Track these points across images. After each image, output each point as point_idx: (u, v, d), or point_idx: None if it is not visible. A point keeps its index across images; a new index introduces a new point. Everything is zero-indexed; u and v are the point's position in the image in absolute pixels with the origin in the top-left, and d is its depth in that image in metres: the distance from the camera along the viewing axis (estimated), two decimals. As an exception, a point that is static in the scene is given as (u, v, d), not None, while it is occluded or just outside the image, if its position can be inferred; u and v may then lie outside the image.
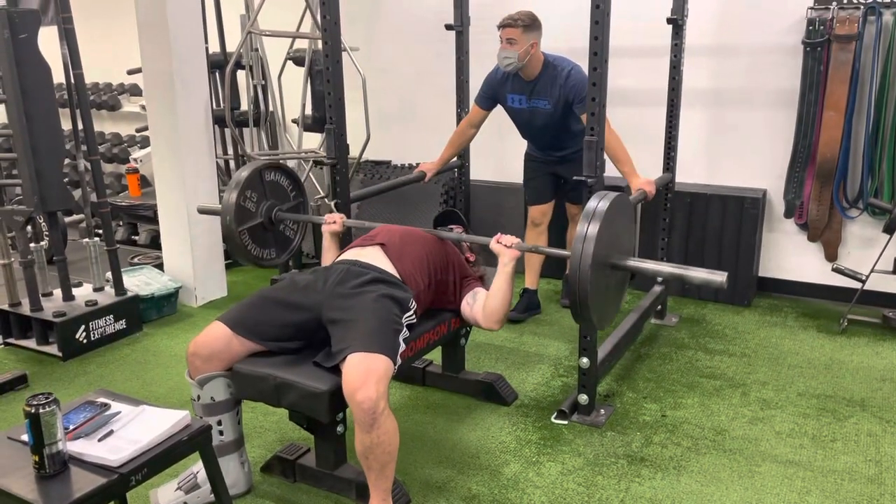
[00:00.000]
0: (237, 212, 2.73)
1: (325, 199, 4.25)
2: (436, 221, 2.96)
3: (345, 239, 2.89)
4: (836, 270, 3.67)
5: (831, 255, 3.92)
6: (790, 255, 4.07)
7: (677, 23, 3.39)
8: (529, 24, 3.28)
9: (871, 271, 3.55)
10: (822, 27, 3.61)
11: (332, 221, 2.77)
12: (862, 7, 3.53)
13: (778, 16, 3.79)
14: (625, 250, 2.39)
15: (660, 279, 3.71)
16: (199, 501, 2.26)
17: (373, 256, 2.41)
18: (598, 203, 2.21)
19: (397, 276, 2.36)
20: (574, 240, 2.17)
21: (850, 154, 3.75)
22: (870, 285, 3.60)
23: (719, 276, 2.18)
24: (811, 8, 3.65)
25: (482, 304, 2.53)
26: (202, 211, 3.15)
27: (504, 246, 2.44)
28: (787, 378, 3.13)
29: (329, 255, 2.75)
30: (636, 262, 2.33)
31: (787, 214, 3.99)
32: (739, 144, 4.05)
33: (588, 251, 2.12)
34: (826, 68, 3.65)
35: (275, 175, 2.90)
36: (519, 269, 2.54)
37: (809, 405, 2.90)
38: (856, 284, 3.61)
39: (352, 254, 2.47)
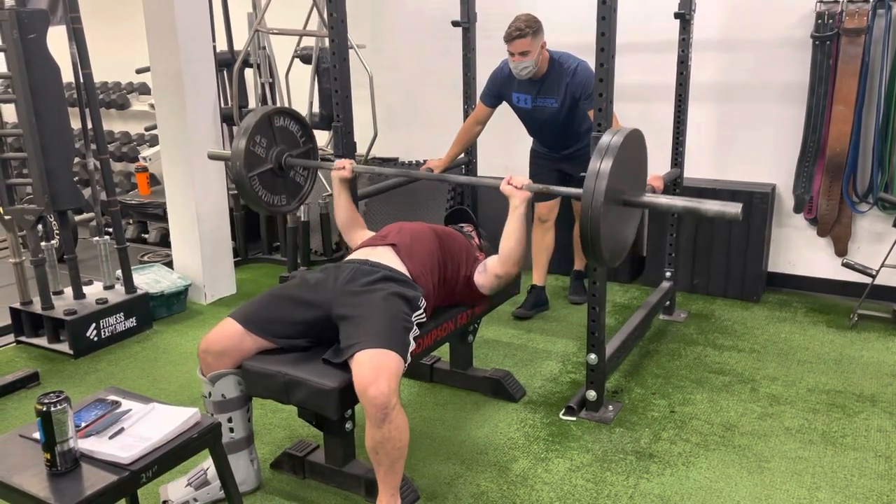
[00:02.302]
0: (247, 157, 2.73)
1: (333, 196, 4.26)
2: (446, 220, 2.97)
3: (353, 186, 2.89)
4: (846, 265, 3.66)
5: (841, 250, 3.90)
6: (800, 251, 4.05)
7: (685, 17, 3.38)
8: (536, 28, 3.25)
9: (882, 266, 3.53)
10: (830, 21, 3.59)
11: (342, 167, 2.80)
12: (871, 0, 3.50)
13: (786, 10, 3.76)
14: (638, 186, 2.35)
15: (668, 274, 3.70)
16: (209, 498, 2.28)
17: (383, 256, 2.42)
18: (612, 138, 2.17)
19: (408, 274, 2.37)
20: (587, 175, 2.14)
21: (859, 148, 3.72)
22: (880, 280, 3.58)
23: (733, 208, 2.14)
24: (820, 1, 3.62)
25: (494, 258, 2.54)
26: (212, 156, 3.14)
27: (514, 188, 2.45)
28: (796, 374, 3.12)
29: (340, 202, 2.80)
30: (650, 198, 2.30)
31: (797, 209, 3.97)
32: (748, 139, 4.03)
33: (601, 187, 2.09)
34: (835, 62, 3.62)
35: (284, 120, 2.90)
36: (526, 266, 2.54)
37: (819, 401, 2.89)
38: (866, 279, 3.59)
39: (363, 253, 2.47)
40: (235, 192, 4.75)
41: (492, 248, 2.75)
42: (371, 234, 2.72)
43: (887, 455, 2.51)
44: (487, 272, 2.57)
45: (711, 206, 2.19)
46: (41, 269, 3.49)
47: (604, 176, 2.09)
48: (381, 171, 2.76)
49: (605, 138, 2.17)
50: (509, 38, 3.26)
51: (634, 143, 2.27)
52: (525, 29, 3.22)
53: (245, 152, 2.72)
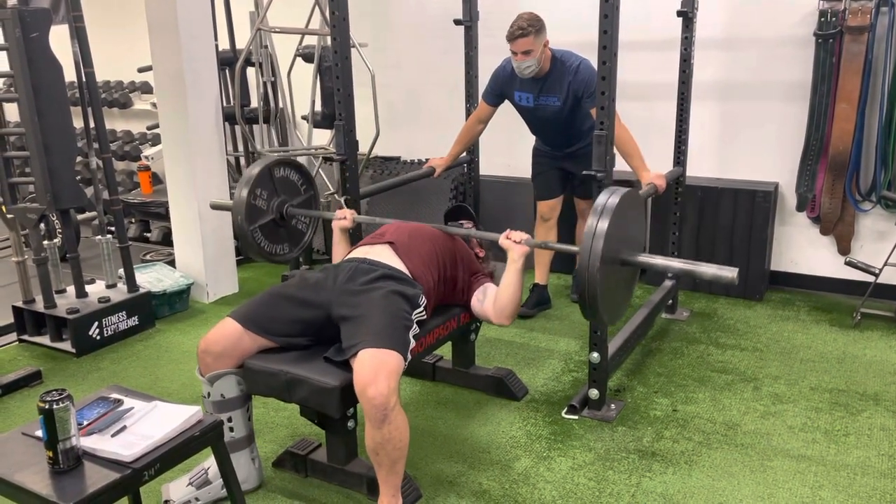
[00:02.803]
0: (248, 210, 2.75)
1: (335, 196, 4.26)
2: (446, 216, 2.96)
3: (354, 235, 2.90)
4: (849, 264, 3.65)
5: (844, 249, 3.89)
6: (802, 249, 4.04)
7: (687, 15, 3.37)
8: (538, 27, 3.23)
9: (885, 265, 3.52)
10: (833, 19, 3.58)
11: (343, 217, 2.78)
12: (874, -2, 3.50)
13: (789, 8, 3.75)
14: (635, 246, 2.38)
15: (670, 274, 3.69)
16: (210, 497, 2.28)
17: (382, 254, 2.42)
18: (609, 198, 2.19)
19: (407, 272, 2.37)
20: (584, 236, 2.16)
21: (862, 146, 3.72)
22: (883, 279, 3.57)
23: (729, 273, 2.16)
24: (823, -1, 3.62)
25: (492, 299, 2.53)
26: (215, 206, 3.16)
27: (513, 242, 2.44)
28: (799, 372, 3.11)
29: (339, 250, 2.76)
30: (646, 258, 2.32)
31: (800, 208, 3.96)
32: (751, 137, 4.02)
33: (598, 248, 2.11)
34: (838, 60, 3.62)
35: (285, 171, 2.90)
36: (528, 265, 2.54)
37: (822, 399, 2.88)
38: (869, 278, 3.58)
39: (361, 251, 2.47)
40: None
41: (494, 258, 2.76)
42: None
43: (890, 454, 2.51)
44: (483, 308, 2.57)
45: (707, 269, 2.22)
46: (44, 267, 3.50)
47: (601, 235, 2.11)
48: (381, 221, 2.72)
49: (602, 198, 2.20)
50: (512, 38, 3.25)
51: (632, 204, 2.29)
52: (528, 28, 3.20)
53: (247, 205, 2.74)
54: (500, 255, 2.55)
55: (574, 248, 2.38)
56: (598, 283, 2.11)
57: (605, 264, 2.13)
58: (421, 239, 2.50)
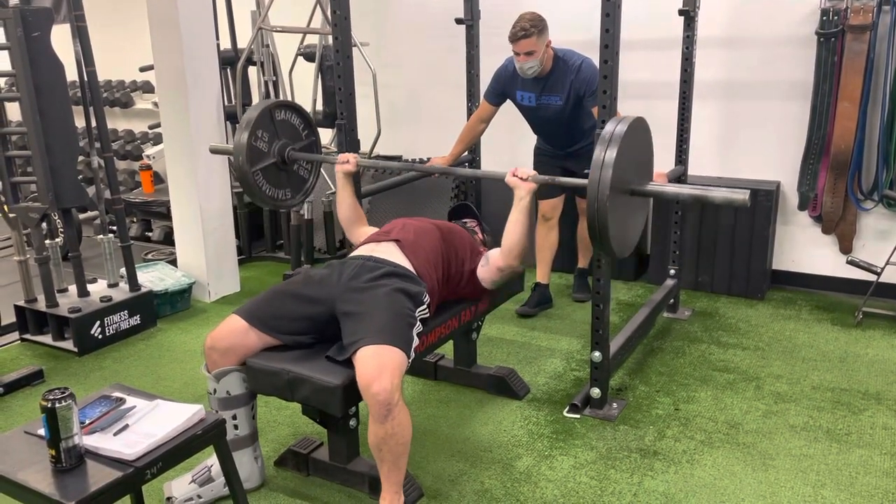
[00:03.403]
0: (249, 151, 2.72)
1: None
2: (450, 215, 2.96)
3: (356, 181, 2.88)
4: (851, 263, 3.65)
5: (846, 248, 3.89)
6: (804, 248, 4.04)
7: (689, 14, 3.36)
8: (541, 27, 3.23)
9: (887, 264, 3.52)
10: (835, 17, 3.57)
11: (346, 161, 2.79)
12: (876, -3, 3.50)
13: (791, 6, 3.75)
14: (644, 175, 2.32)
15: (673, 272, 3.69)
16: (213, 495, 2.28)
17: (387, 252, 2.41)
18: (616, 127, 2.13)
19: (412, 270, 2.37)
20: (591, 165, 2.11)
21: (864, 145, 3.71)
22: (885, 278, 3.57)
23: (741, 195, 2.12)
24: (825, -2, 3.62)
25: (497, 252, 2.52)
26: (214, 150, 3.12)
27: (520, 179, 2.44)
28: (801, 371, 3.11)
29: (343, 196, 2.79)
30: (656, 187, 2.27)
31: (801, 207, 3.96)
32: (752, 136, 4.02)
33: (606, 177, 2.06)
34: (840, 59, 3.61)
35: (285, 113, 2.88)
36: (530, 264, 2.53)
37: (824, 398, 2.88)
38: (871, 277, 3.58)
39: (367, 249, 2.47)
40: (239, 189, 4.77)
41: (495, 244, 2.75)
42: (373, 229, 2.72)
43: (892, 453, 2.51)
44: (489, 265, 2.55)
45: (718, 193, 2.18)
46: (45, 267, 3.50)
47: (609, 165, 2.06)
48: (386, 165, 2.75)
49: (609, 127, 2.14)
50: (514, 39, 3.24)
51: (639, 132, 2.24)
52: (530, 28, 3.20)
53: (247, 147, 2.71)
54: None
55: (582, 181, 2.25)
56: (608, 215, 2.05)
57: (614, 194, 2.07)
58: (427, 237, 2.50)
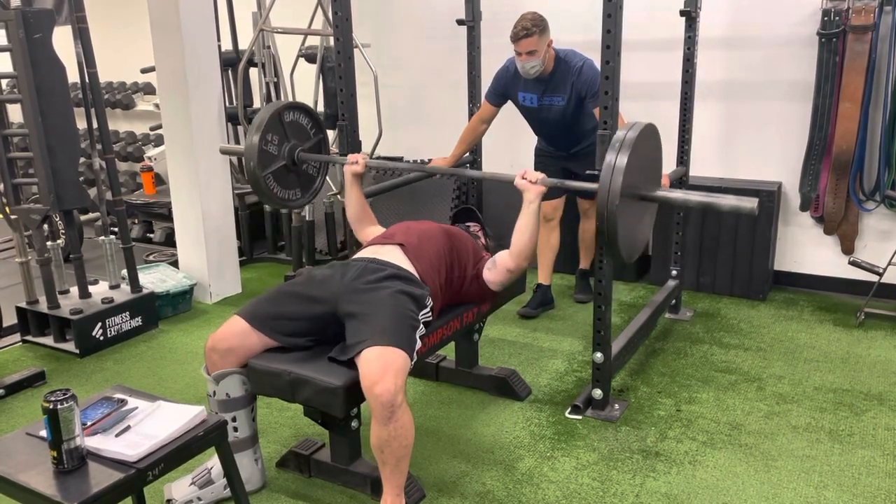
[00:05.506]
0: (260, 156, 2.74)
1: (339, 196, 4.26)
2: (453, 220, 2.97)
3: (364, 179, 2.89)
4: (853, 264, 3.64)
5: (848, 249, 3.89)
6: (806, 249, 4.03)
7: (690, 15, 3.36)
8: (542, 27, 3.22)
9: (889, 264, 3.51)
10: (837, 18, 3.57)
11: (354, 161, 2.80)
12: (878, -3, 3.50)
13: (792, 7, 3.75)
14: (653, 181, 2.33)
15: (674, 273, 3.69)
16: (213, 497, 2.28)
17: (391, 255, 2.41)
18: (627, 133, 2.15)
19: (415, 274, 2.36)
20: (602, 170, 2.11)
21: (866, 146, 3.71)
22: (887, 278, 3.56)
23: (749, 203, 2.12)
24: (826, -2, 3.62)
25: (504, 253, 2.53)
26: (225, 151, 3.14)
27: (529, 182, 2.45)
28: (803, 372, 3.11)
29: (351, 196, 2.80)
30: (665, 193, 2.28)
31: (803, 207, 3.95)
32: (754, 137, 4.02)
33: (616, 182, 2.06)
34: (842, 59, 3.61)
35: (294, 115, 2.90)
36: (531, 265, 2.54)
37: (826, 399, 2.87)
38: (873, 278, 3.58)
39: (370, 251, 2.47)
40: (240, 191, 4.77)
41: (497, 248, 2.75)
42: (382, 229, 2.72)
43: (895, 454, 2.50)
44: (498, 267, 2.55)
45: (727, 200, 2.18)
46: (47, 268, 3.50)
47: (619, 171, 2.07)
48: (393, 166, 2.76)
49: (621, 133, 2.15)
50: (516, 38, 3.24)
51: (649, 138, 2.25)
52: (532, 28, 3.19)
53: (259, 151, 2.73)
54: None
55: (592, 186, 2.27)
56: (618, 220, 2.07)
57: (624, 199, 2.08)
58: (431, 241, 2.49)
